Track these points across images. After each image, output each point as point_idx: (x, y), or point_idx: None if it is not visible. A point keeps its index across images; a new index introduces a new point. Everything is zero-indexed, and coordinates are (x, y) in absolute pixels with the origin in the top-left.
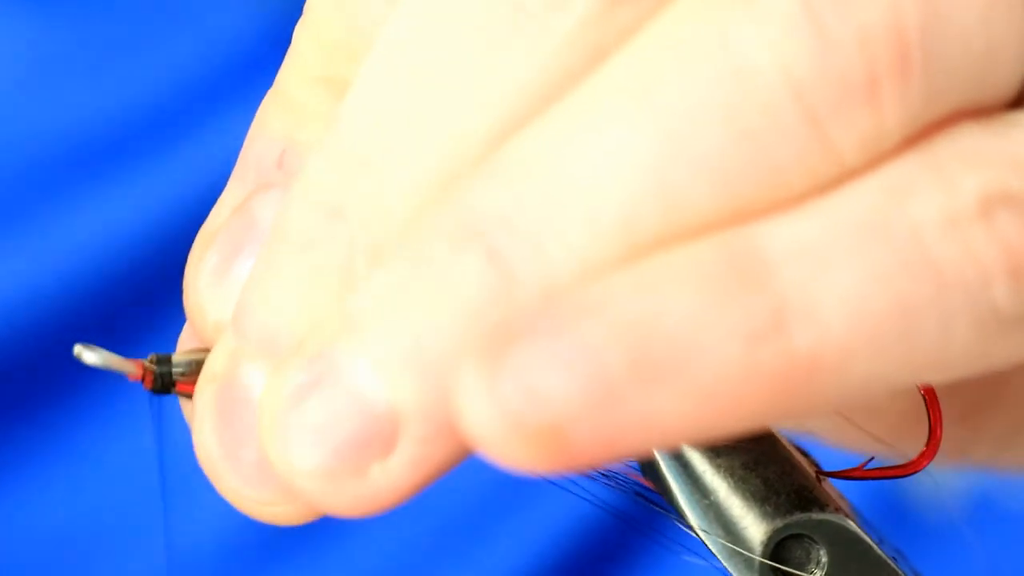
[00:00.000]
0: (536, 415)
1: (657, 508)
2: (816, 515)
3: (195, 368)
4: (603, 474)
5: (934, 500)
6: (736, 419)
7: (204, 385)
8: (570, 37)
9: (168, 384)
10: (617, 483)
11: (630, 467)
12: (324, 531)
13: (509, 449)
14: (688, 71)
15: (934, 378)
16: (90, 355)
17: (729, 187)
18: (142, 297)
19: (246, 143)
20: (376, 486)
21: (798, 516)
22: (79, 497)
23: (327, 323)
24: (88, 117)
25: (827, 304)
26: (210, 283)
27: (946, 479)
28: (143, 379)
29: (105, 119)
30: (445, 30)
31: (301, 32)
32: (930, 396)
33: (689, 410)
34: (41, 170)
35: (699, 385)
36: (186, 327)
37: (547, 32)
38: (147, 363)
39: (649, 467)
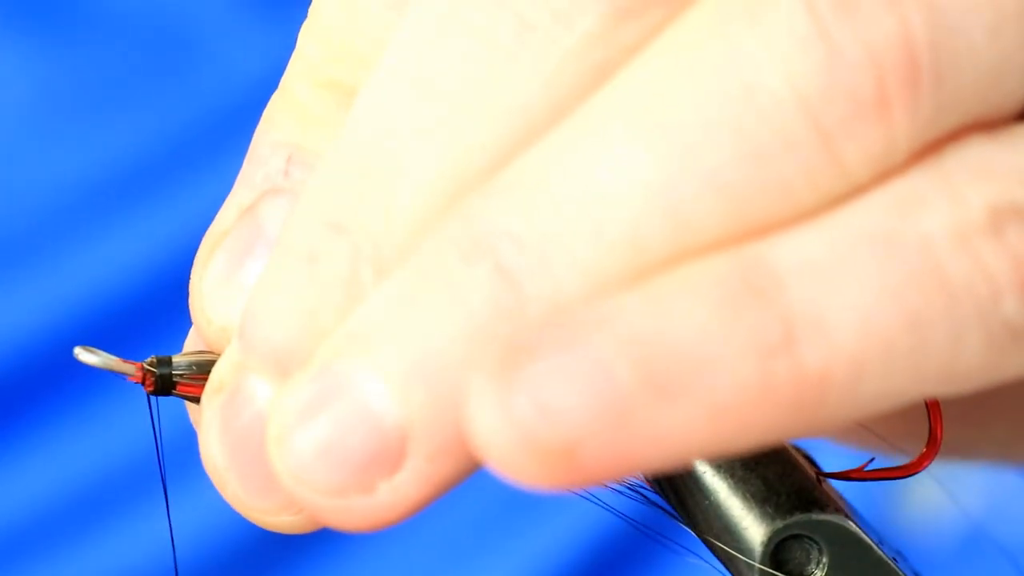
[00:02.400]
0: (549, 431)
1: (658, 508)
2: (816, 516)
3: (195, 370)
4: None
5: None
6: (748, 435)
7: (211, 395)
8: (575, 53)
9: (168, 386)
10: (618, 485)
11: None
12: (330, 536)
13: (521, 465)
14: (696, 88)
15: (946, 391)
16: (89, 356)
17: (738, 204)
18: (150, 331)
19: (253, 144)
20: (383, 502)
21: (798, 517)
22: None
23: (333, 337)
24: (101, 153)
25: (837, 319)
26: (215, 287)
27: (939, 506)
28: (143, 381)
29: (117, 155)
30: (450, 45)
31: (307, 33)
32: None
33: (702, 426)
34: (52, 207)
35: (711, 401)
36: (192, 332)
37: (552, 47)
38: (147, 365)
39: None
